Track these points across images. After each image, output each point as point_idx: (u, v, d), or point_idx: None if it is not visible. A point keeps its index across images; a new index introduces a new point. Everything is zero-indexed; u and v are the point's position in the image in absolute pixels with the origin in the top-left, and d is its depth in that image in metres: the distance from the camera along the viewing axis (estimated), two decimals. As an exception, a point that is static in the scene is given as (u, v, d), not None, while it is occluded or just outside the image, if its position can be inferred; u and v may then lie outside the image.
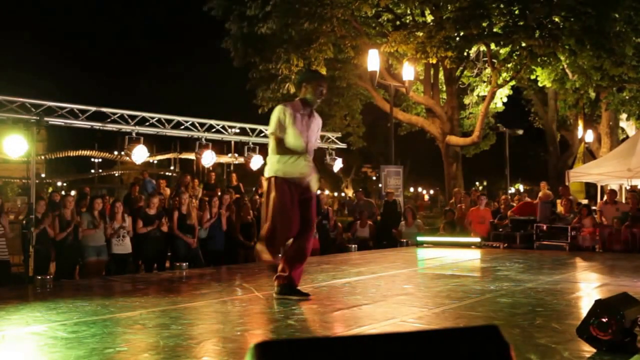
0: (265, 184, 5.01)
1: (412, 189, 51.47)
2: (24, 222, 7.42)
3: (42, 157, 20.20)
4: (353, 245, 10.06)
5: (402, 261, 8.20)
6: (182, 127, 9.03)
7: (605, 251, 9.99)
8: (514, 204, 12.43)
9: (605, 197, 12.32)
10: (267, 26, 16.59)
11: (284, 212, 4.75)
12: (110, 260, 8.58)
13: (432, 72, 17.74)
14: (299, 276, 5.05)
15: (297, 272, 4.97)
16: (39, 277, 6.32)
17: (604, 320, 3.00)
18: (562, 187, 12.64)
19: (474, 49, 16.71)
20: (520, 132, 22.21)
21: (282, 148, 4.79)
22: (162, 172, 23.34)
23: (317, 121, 5.05)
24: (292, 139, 4.76)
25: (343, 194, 43.48)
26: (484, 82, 19.46)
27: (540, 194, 13.00)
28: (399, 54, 16.05)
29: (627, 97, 18.19)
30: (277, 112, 4.81)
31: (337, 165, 11.69)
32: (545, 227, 10.34)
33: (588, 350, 3.06)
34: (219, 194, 10.73)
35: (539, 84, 18.50)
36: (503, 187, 23.68)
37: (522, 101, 25.10)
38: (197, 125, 9.26)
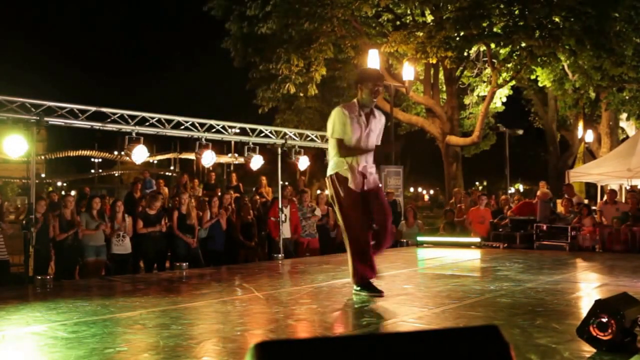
0: (328, 183, 5.02)
1: (412, 189, 51.47)
2: (24, 222, 7.41)
3: (42, 157, 20.20)
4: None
5: (402, 261, 8.19)
6: (182, 127, 9.01)
7: (605, 251, 9.98)
8: (512, 205, 12.42)
9: (605, 197, 12.31)
10: (267, 26, 16.59)
11: (354, 207, 4.82)
12: (110, 260, 8.59)
13: (432, 72, 17.73)
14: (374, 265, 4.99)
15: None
16: (39, 277, 6.32)
17: (604, 320, 3.00)
18: (566, 186, 12.64)
19: (474, 49, 16.70)
20: (520, 132, 22.20)
21: (346, 149, 4.83)
22: (162, 172, 23.37)
23: (380, 119, 5.04)
24: (349, 140, 4.83)
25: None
26: (484, 82, 19.45)
27: (538, 193, 12.98)
28: (399, 54, 16.05)
29: (627, 97, 18.19)
30: (336, 115, 4.85)
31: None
32: (545, 227, 10.33)
33: (588, 350, 3.06)
34: (219, 194, 10.74)
35: (539, 84, 18.50)
36: (503, 187, 23.67)
37: (522, 101, 25.10)
38: (197, 125, 9.24)
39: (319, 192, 17.30)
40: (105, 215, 8.67)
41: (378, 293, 4.82)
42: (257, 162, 10.18)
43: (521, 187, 41.22)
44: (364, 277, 4.89)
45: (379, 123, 5.02)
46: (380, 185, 5.16)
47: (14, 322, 4.18)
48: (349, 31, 16.41)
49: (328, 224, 11.09)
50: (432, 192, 56.95)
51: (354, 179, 4.84)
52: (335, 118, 4.85)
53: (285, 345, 1.11)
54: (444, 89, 18.18)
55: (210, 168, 12.05)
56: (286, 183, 14.25)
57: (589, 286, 5.99)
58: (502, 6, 14.00)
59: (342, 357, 1.11)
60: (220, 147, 14.99)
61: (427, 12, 16.55)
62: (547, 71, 16.68)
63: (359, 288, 4.91)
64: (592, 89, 17.68)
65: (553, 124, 23.78)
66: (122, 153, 16.11)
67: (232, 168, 16.50)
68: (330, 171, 4.97)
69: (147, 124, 8.53)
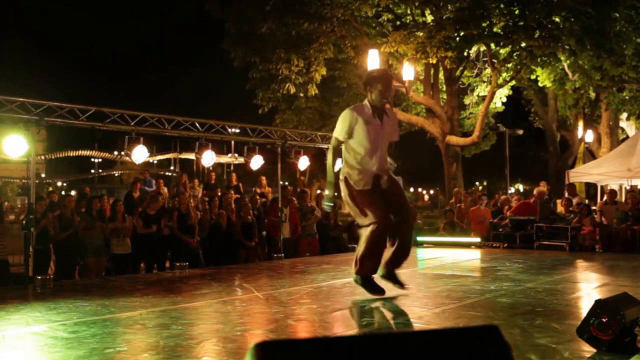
0: (342, 186, 4.93)
1: (412, 189, 51.48)
2: (24, 222, 7.42)
3: (42, 157, 20.18)
4: (353, 245, 10.05)
5: (402, 261, 8.18)
6: (182, 127, 9.02)
7: (605, 251, 9.99)
8: (513, 205, 12.40)
9: (605, 197, 12.31)
10: (267, 26, 16.58)
11: (370, 203, 4.68)
12: (110, 260, 8.58)
13: (432, 72, 17.72)
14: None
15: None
16: (39, 277, 6.32)
17: (604, 320, 3.00)
18: (568, 185, 12.63)
19: (474, 49, 16.69)
20: (520, 132, 22.20)
21: (331, 155, 4.88)
22: (162, 172, 23.34)
23: (392, 117, 4.98)
24: (358, 142, 4.74)
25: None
26: (484, 82, 19.44)
27: (535, 192, 12.89)
28: (399, 54, 16.04)
29: (627, 97, 18.18)
30: (346, 117, 4.78)
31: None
32: (545, 227, 10.33)
33: (588, 350, 3.06)
34: (219, 194, 10.74)
35: (539, 84, 18.49)
36: (503, 187, 23.68)
37: (522, 101, 25.09)
38: (197, 125, 9.25)
39: (319, 192, 17.28)
40: (105, 215, 8.68)
41: (379, 292, 4.74)
42: (257, 162, 10.19)
43: (521, 187, 41.20)
44: (369, 271, 4.76)
45: (391, 120, 4.96)
46: (395, 178, 5.01)
47: (14, 322, 4.18)
48: (349, 31, 16.40)
49: (328, 223, 11.08)
50: (432, 192, 56.96)
51: (363, 181, 4.76)
52: (341, 118, 4.82)
53: (285, 345, 1.11)
54: (444, 89, 18.17)
55: (210, 168, 12.05)
56: (286, 183, 14.25)
57: (589, 286, 5.99)
58: (502, 6, 13.99)
59: (342, 357, 1.11)
60: (220, 147, 14.98)
61: (427, 12, 16.54)
62: (547, 71, 16.67)
63: (360, 282, 4.78)
64: (592, 89, 17.67)
65: (553, 124, 23.76)
66: (122, 153, 16.10)
67: (232, 168, 16.49)
68: (341, 175, 4.90)
69: (147, 124, 8.53)
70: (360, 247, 4.74)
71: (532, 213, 10.98)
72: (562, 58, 14.93)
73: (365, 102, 4.90)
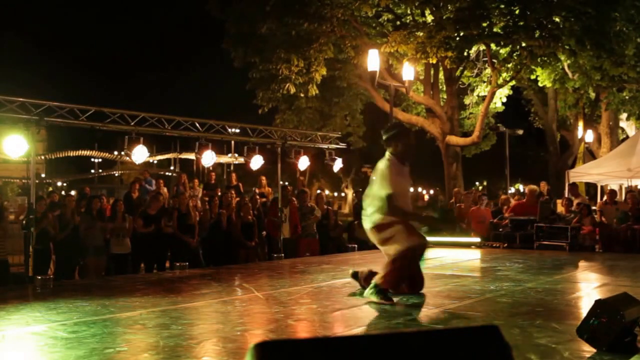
0: (374, 233, 5.01)
1: (412, 189, 51.45)
2: (24, 222, 7.42)
3: (42, 157, 20.18)
4: (353, 245, 10.06)
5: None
6: (182, 127, 9.02)
7: (605, 251, 9.98)
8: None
9: (605, 197, 12.31)
10: (267, 26, 16.58)
11: (411, 231, 4.88)
12: (110, 260, 8.58)
13: (432, 72, 17.72)
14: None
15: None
16: (39, 277, 6.32)
17: (604, 320, 3.00)
18: (571, 185, 12.61)
19: (474, 49, 16.69)
20: (520, 132, 22.17)
21: (396, 207, 4.87)
22: (162, 172, 23.34)
23: (407, 167, 5.20)
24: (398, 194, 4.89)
25: (343, 194, 43.69)
26: (484, 82, 19.43)
27: (526, 190, 12.76)
28: (399, 54, 16.03)
29: (627, 97, 18.18)
30: (386, 168, 4.91)
31: (337, 165, 11.68)
32: (545, 227, 10.32)
33: (588, 350, 3.06)
34: (219, 193, 10.74)
35: (539, 84, 18.49)
36: (503, 187, 23.65)
37: (522, 101, 25.08)
38: (197, 125, 9.25)
39: (318, 192, 17.29)
40: (104, 215, 8.68)
41: (389, 301, 4.66)
42: (257, 162, 10.19)
43: (521, 187, 41.19)
44: (392, 286, 4.77)
45: (408, 168, 5.20)
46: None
47: (14, 322, 4.18)
48: (349, 31, 16.39)
49: (328, 223, 11.07)
50: (432, 192, 56.94)
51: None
52: (386, 173, 4.89)
53: (285, 345, 1.11)
54: (444, 89, 18.16)
55: (210, 168, 12.05)
56: (286, 183, 14.24)
57: (589, 286, 5.99)
58: (502, 6, 13.99)
59: (342, 357, 1.11)
60: (220, 147, 14.97)
61: (427, 12, 16.53)
62: (547, 71, 16.66)
63: (371, 291, 4.71)
64: (592, 89, 17.66)
65: (553, 124, 23.75)
66: (122, 153, 16.10)
67: (232, 168, 16.48)
68: (371, 224, 4.97)
69: (147, 124, 8.54)
70: (394, 265, 4.71)
71: (528, 212, 10.96)
72: (562, 58, 14.92)
73: (393, 154, 5.02)
